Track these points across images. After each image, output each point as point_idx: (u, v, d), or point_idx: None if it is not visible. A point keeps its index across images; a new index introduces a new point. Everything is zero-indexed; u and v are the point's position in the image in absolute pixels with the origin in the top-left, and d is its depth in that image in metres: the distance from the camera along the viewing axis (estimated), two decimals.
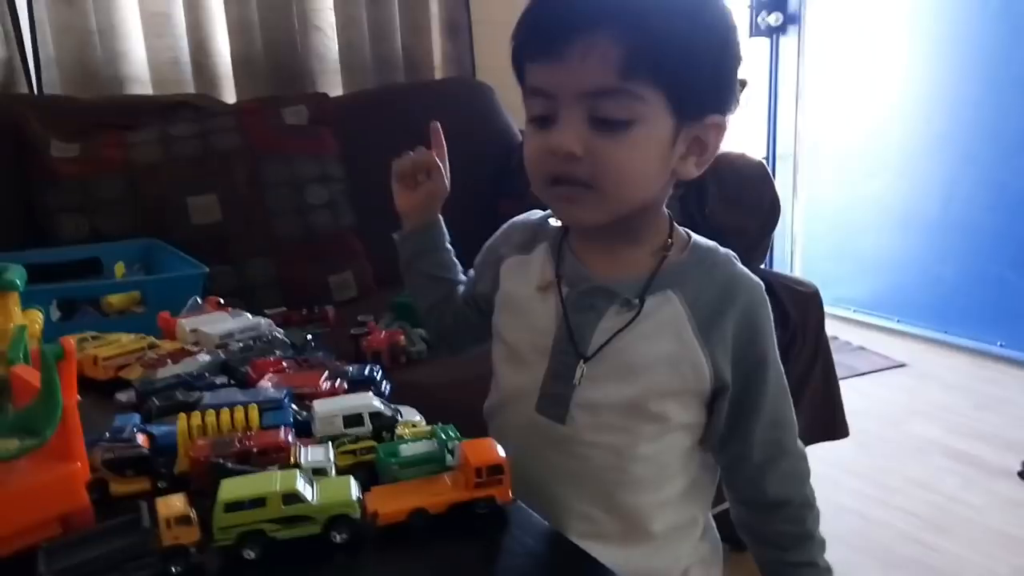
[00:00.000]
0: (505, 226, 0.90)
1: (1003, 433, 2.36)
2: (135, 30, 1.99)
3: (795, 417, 0.82)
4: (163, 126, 1.81)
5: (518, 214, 0.90)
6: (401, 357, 1.43)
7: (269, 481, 0.56)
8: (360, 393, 0.73)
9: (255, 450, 0.63)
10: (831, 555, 0.83)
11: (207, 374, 0.83)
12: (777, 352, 0.80)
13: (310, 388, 0.77)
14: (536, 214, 0.88)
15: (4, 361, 0.70)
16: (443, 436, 0.64)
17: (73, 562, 0.50)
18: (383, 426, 0.69)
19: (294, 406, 0.72)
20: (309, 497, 0.55)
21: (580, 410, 0.77)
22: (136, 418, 0.71)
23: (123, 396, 0.81)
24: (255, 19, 2.09)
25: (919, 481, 2.13)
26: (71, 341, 0.57)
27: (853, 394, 2.09)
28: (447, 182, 0.94)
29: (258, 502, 0.54)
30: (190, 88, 2.05)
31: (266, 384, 0.78)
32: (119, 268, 1.50)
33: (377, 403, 0.70)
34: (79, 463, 0.58)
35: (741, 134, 3.29)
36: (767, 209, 1.75)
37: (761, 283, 0.79)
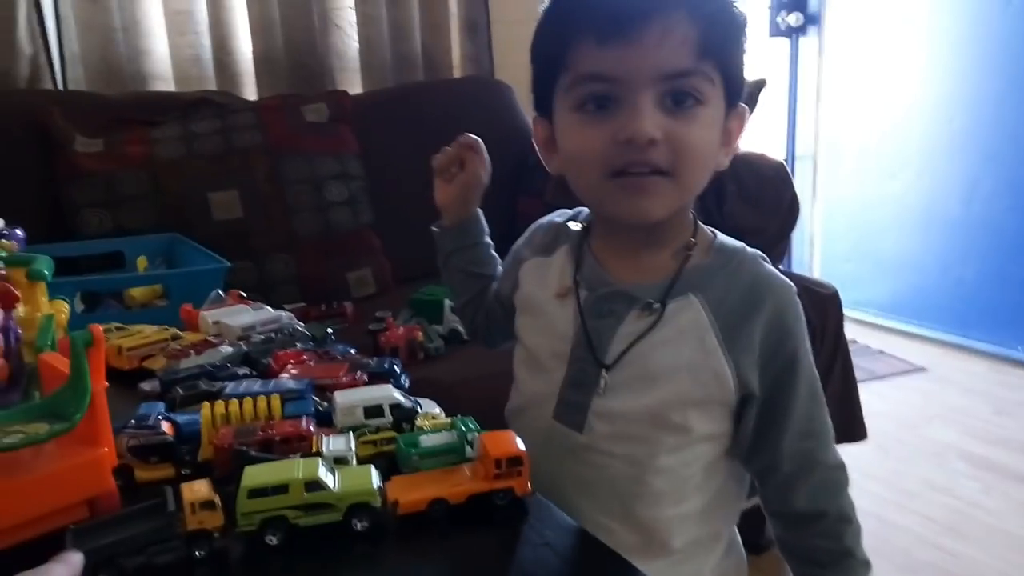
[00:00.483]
0: (532, 227, 0.88)
1: (1022, 438, 2.34)
2: (158, 27, 2.01)
3: (830, 426, 0.78)
4: (185, 123, 1.83)
5: (536, 212, 0.89)
6: (418, 353, 1.43)
7: (292, 468, 0.56)
8: (380, 385, 0.74)
9: (277, 438, 0.63)
10: None
11: (229, 365, 0.84)
12: (811, 358, 0.76)
13: (331, 380, 0.77)
14: (560, 215, 0.86)
15: (33, 349, 0.71)
16: (463, 428, 0.65)
17: (99, 543, 0.51)
18: (403, 417, 0.69)
19: (315, 397, 0.73)
20: (331, 485, 0.56)
21: (598, 419, 0.75)
22: (161, 406, 0.72)
23: (147, 385, 0.82)
24: (276, 17, 2.11)
25: (937, 485, 2.11)
26: (100, 328, 0.58)
27: (872, 397, 2.08)
28: (486, 174, 0.92)
29: (281, 489, 0.54)
30: (212, 85, 2.07)
31: (287, 375, 0.79)
32: (141, 262, 1.52)
33: (398, 395, 0.71)
34: (106, 448, 0.58)
35: (761, 134, 3.28)
36: (786, 210, 1.74)
37: (792, 285, 0.76)
